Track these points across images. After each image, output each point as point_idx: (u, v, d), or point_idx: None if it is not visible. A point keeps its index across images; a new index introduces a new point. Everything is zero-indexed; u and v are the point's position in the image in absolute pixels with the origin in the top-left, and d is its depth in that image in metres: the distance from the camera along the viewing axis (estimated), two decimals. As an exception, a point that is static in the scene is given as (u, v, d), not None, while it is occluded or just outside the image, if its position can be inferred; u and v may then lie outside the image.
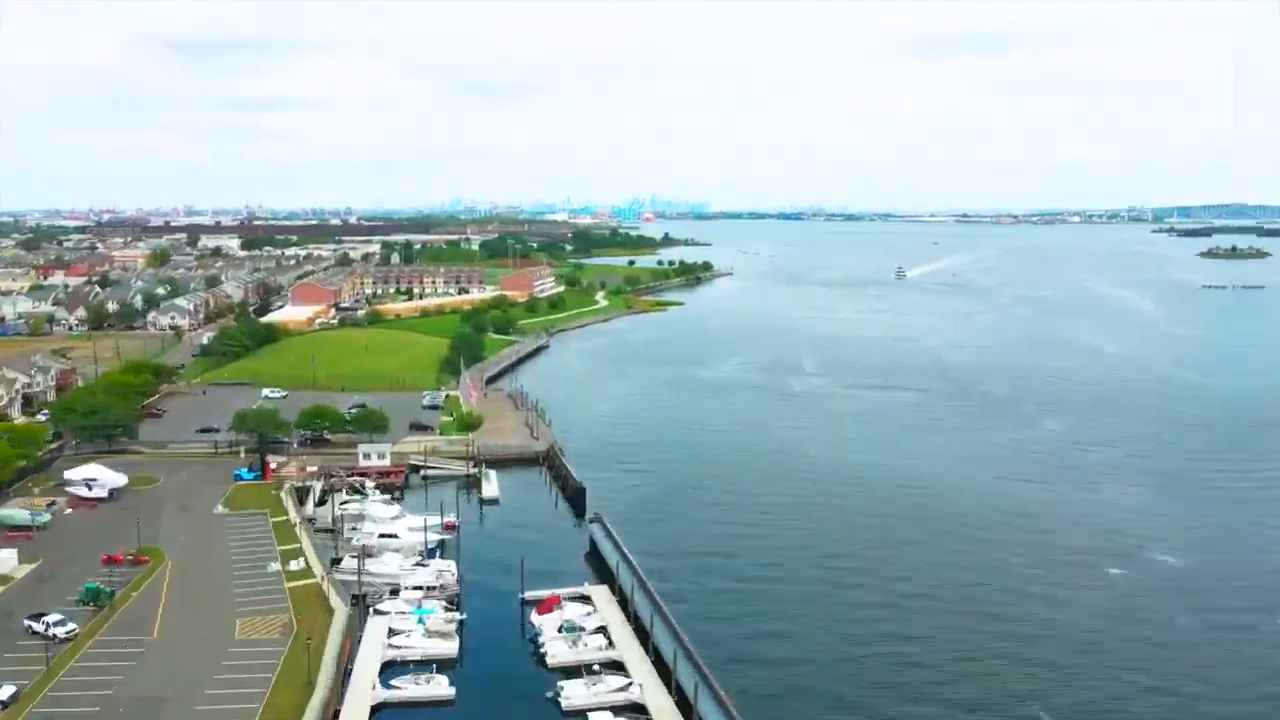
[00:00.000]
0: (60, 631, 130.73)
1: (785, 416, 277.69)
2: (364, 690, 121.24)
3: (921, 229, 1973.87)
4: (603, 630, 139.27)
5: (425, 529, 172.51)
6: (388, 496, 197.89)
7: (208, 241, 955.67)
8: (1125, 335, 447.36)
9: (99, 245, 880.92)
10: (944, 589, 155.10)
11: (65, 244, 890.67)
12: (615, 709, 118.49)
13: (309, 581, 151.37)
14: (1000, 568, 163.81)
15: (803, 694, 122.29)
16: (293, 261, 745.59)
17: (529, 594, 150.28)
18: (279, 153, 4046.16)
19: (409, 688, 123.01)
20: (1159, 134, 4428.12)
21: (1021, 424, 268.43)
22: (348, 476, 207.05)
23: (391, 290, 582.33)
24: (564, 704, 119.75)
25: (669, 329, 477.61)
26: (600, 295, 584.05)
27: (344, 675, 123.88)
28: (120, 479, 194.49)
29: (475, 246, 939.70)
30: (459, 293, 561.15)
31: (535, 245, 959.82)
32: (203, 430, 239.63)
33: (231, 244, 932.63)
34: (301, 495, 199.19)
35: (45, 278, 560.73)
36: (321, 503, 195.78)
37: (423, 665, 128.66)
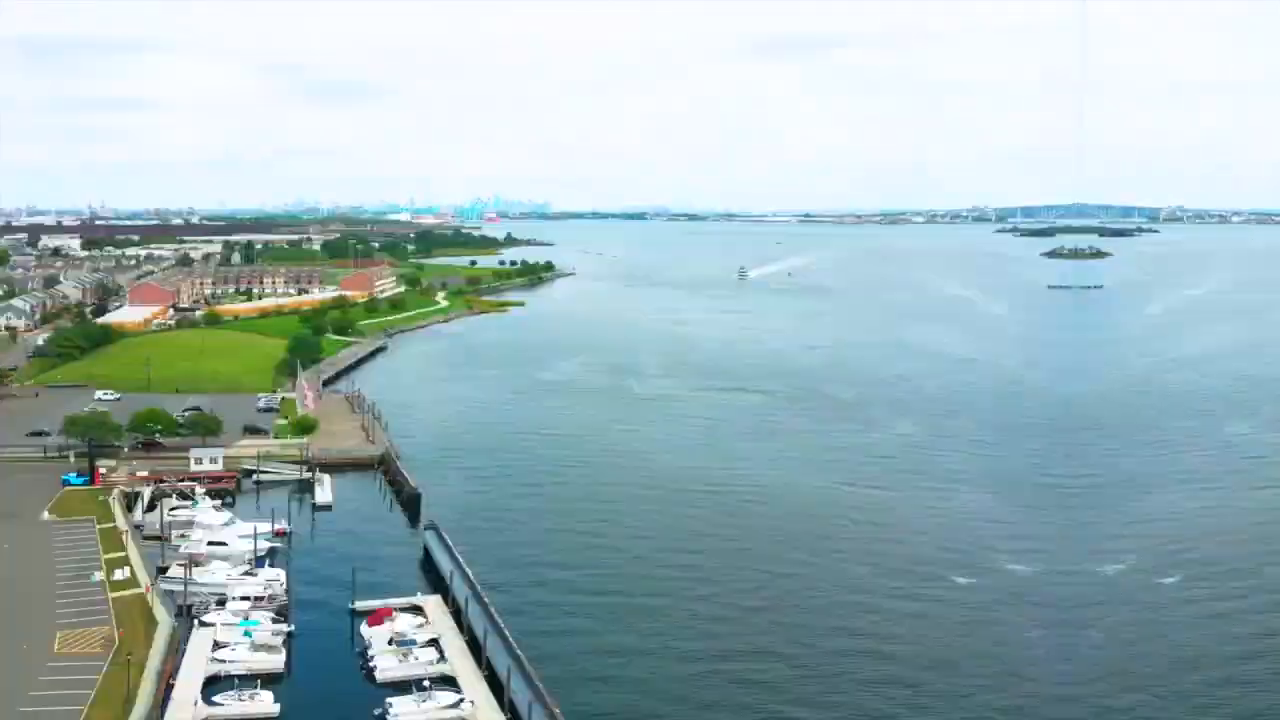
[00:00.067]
0: None
1: (627, 420, 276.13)
2: (185, 707, 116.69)
3: (765, 229, 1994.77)
4: (435, 643, 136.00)
5: (255, 536, 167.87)
6: (218, 502, 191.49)
7: (49, 241, 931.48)
8: (972, 337, 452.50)
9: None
10: (790, 601, 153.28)
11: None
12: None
13: (134, 592, 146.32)
14: (848, 578, 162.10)
15: (640, 713, 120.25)
16: (133, 262, 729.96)
17: (360, 604, 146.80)
18: (121, 153, 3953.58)
19: (232, 704, 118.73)
20: (999, 133, 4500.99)
21: (868, 427, 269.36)
22: (178, 482, 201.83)
23: (231, 291, 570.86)
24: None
25: (510, 330, 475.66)
26: (441, 295, 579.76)
27: (166, 690, 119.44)
28: None
29: (317, 247, 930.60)
30: (299, 293, 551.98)
31: (377, 245, 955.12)
32: (33, 434, 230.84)
33: (73, 244, 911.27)
34: (131, 501, 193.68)
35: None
36: (151, 508, 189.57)
37: (247, 680, 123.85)
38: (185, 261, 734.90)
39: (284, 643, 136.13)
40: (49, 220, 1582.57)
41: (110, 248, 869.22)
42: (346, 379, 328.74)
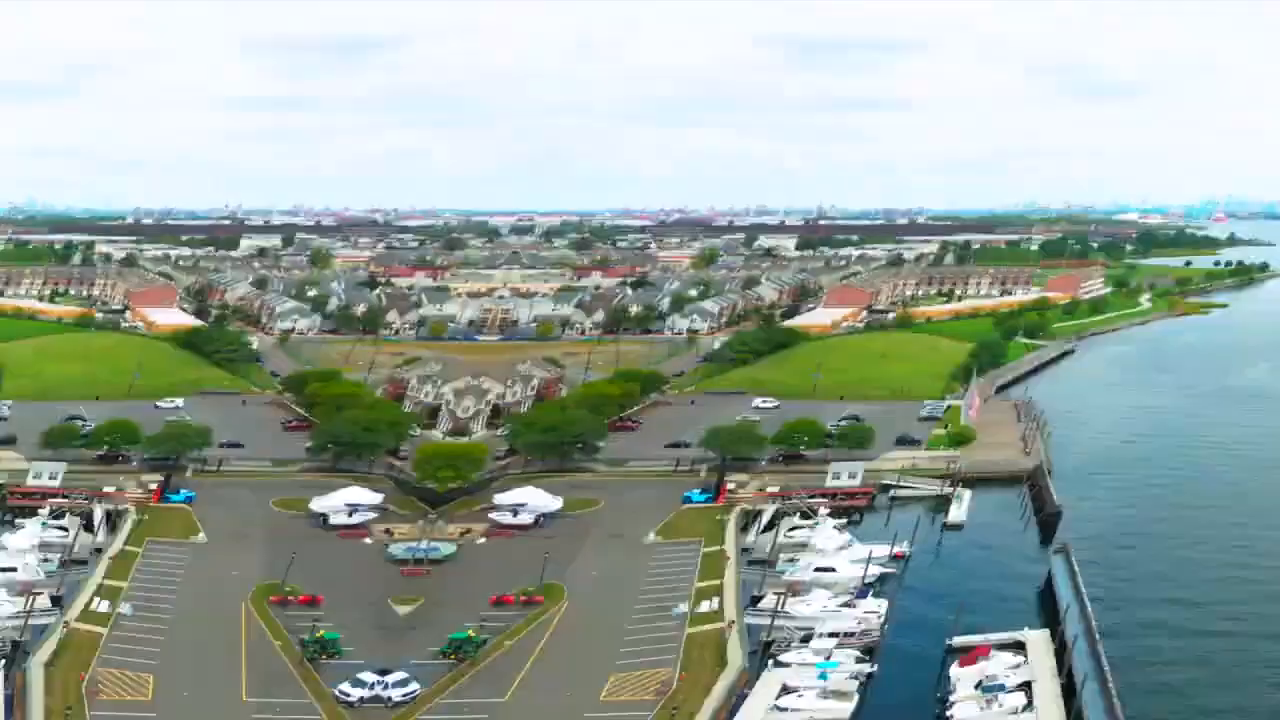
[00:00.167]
0: (397, 694, 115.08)
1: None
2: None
3: None
4: (1026, 687, 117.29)
5: (868, 561, 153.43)
6: (841, 521, 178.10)
7: (764, 241, 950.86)
8: None
9: (652, 245, 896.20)
10: None
11: (620, 244, 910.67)
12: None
13: (714, 627, 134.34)
14: None
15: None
16: (843, 262, 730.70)
17: (956, 640, 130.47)
18: (856, 153, 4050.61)
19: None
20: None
21: None
22: (805, 498, 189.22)
23: (932, 292, 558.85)
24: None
25: (1206, 332, 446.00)
26: (1145, 297, 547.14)
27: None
28: (554, 503, 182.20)
29: (1034, 247, 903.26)
30: (1002, 294, 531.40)
31: (1095, 245, 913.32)
32: (671, 445, 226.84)
33: (787, 244, 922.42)
34: (750, 520, 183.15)
35: (580, 279, 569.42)
36: (769, 528, 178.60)
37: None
38: (896, 262, 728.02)
39: (860, 686, 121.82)
40: (773, 220, 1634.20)
41: (824, 248, 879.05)
42: (1022, 385, 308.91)
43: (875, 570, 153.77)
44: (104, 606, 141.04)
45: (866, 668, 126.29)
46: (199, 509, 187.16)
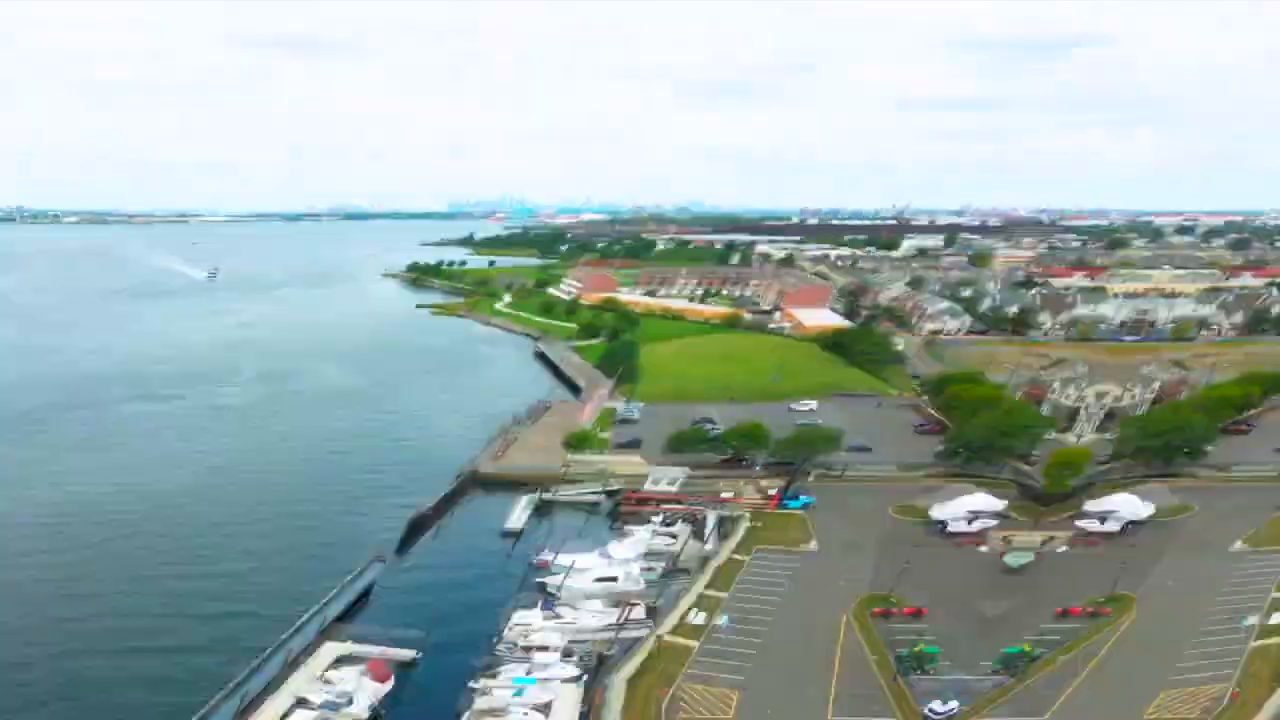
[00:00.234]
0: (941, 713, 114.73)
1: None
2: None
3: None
4: None
5: None
6: None
7: None
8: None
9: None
10: None
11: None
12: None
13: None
14: None
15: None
16: None
17: None
18: None
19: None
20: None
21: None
22: None
23: None
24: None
25: None
26: None
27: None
28: (1145, 509, 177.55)
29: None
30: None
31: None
32: None
33: None
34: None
35: (1230, 279, 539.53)
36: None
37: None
38: None
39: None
40: None
41: None
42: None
43: None
44: (700, 619, 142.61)
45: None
46: (815, 515, 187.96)
